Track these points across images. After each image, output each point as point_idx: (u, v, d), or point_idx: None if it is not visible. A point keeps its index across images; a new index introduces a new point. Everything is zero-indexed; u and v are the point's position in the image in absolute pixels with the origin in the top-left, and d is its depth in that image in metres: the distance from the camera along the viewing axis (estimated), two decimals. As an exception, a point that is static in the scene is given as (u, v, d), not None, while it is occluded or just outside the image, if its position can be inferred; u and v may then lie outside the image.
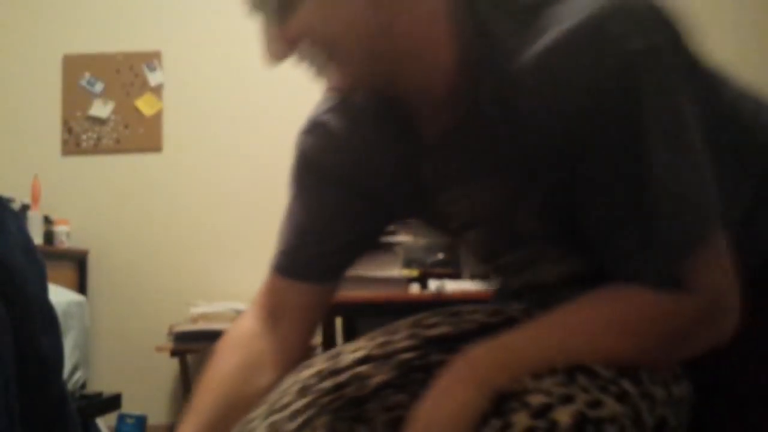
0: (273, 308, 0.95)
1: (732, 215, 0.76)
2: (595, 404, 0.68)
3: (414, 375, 0.81)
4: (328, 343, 2.31)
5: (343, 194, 0.91)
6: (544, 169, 0.76)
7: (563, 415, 0.66)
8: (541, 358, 0.71)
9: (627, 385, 0.70)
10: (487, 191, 0.82)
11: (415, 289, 2.40)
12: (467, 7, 0.76)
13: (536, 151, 0.75)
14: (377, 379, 0.82)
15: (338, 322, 2.74)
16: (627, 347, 0.72)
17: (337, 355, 0.87)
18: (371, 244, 0.98)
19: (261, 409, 0.83)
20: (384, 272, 2.29)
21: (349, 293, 2.17)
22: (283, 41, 0.75)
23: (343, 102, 0.90)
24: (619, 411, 0.68)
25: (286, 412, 0.80)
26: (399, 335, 0.86)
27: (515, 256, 0.86)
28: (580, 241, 0.77)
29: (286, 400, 0.82)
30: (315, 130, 0.93)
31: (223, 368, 0.91)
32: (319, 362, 0.86)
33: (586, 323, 0.73)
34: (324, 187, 0.92)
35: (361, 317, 2.94)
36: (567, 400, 0.67)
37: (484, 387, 0.70)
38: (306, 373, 0.85)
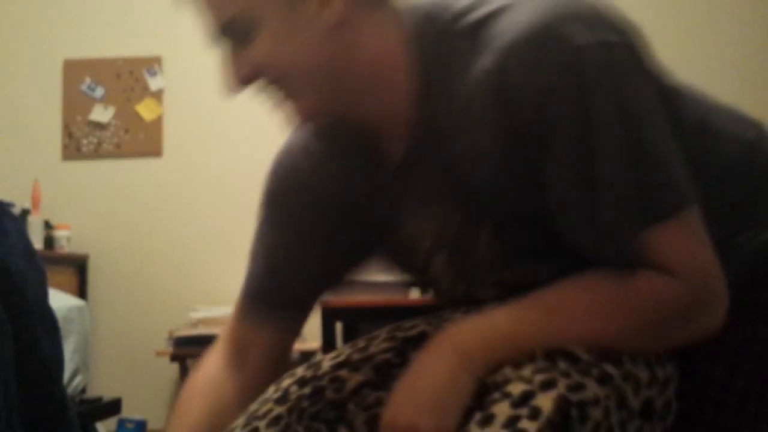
0: (238, 347, 0.94)
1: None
2: (577, 387, 0.67)
3: (392, 372, 0.82)
4: (328, 347, 2.30)
5: (307, 233, 0.91)
6: (501, 188, 0.76)
7: (545, 401, 0.66)
8: (522, 336, 0.72)
9: (609, 367, 0.69)
10: (448, 216, 0.81)
11: (415, 294, 2.40)
12: (419, 35, 0.77)
13: (491, 170, 0.75)
14: (355, 380, 0.83)
15: (338, 326, 2.74)
16: (609, 330, 0.71)
17: (318, 362, 0.87)
18: (336, 282, 0.97)
19: (241, 419, 0.83)
20: (384, 277, 2.29)
21: (349, 298, 2.17)
22: (241, 72, 0.76)
23: (307, 137, 0.90)
24: (602, 393, 0.68)
25: (266, 420, 0.81)
26: (378, 339, 0.87)
27: (483, 286, 0.84)
28: (544, 258, 0.76)
29: (266, 408, 0.83)
30: (280, 170, 0.93)
31: (191, 416, 0.91)
32: (300, 371, 0.86)
33: (568, 304, 0.73)
34: (288, 226, 0.92)
35: (362, 322, 2.94)
36: (548, 385, 0.67)
37: (464, 360, 0.71)
38: (287, 381, 0.85)
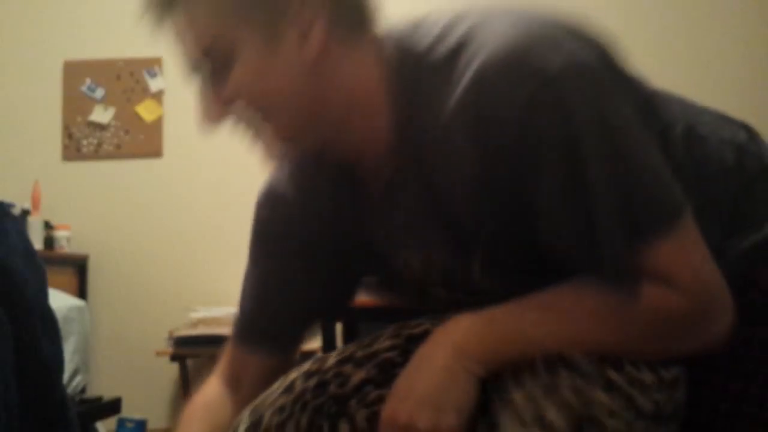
0: (234, 370, 0.95)
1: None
2: (586, 399, 0.67)
3: (395, 371, 0.82)
4: (328, 347, 2.31)
5: (297, 265, 0.91)
6: (485, 216, 0.75)
7: (557, 418, 0.66)
8: (521, 335, 0.71)
9: (612, 373, 0.69)
10: (435, 245, 0.81)
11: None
12: (396, 66, 0.76)
13: (474, 198, 0.74)
14: (358, 376, 0.84)
15: (338, 327, 2.74)
16: (609, 338, 0.71)
17: (324, 357, 0.89)
18: (330, 311, 0.98)
19: (248, 409, 0.85)
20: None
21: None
22: (218, 104, 0.76)
23: (291, 168, 0.90)
24: (611, 401, 0.67)
25: (272, 409, 0.83)
26: (383, 337, 0.88)
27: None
28: (540, 282, 0.75)
29: (272, 398, 0.84)
30: (267, 201, 0.94)
31: None
32: (307, 365, 0.88)
33: (570, 306, 0.72)
34: (278, 258, 0.92)
35: (361, 322, 2.94)
36: (556, 400, 0.67)
37: (462, 356, 0.71)
38: (293, 374, 0.87)
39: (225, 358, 0.98)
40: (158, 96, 3.60)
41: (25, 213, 3.26)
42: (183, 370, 3.05)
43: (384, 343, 0.87)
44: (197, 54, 0.77)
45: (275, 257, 0.93)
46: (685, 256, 0.70)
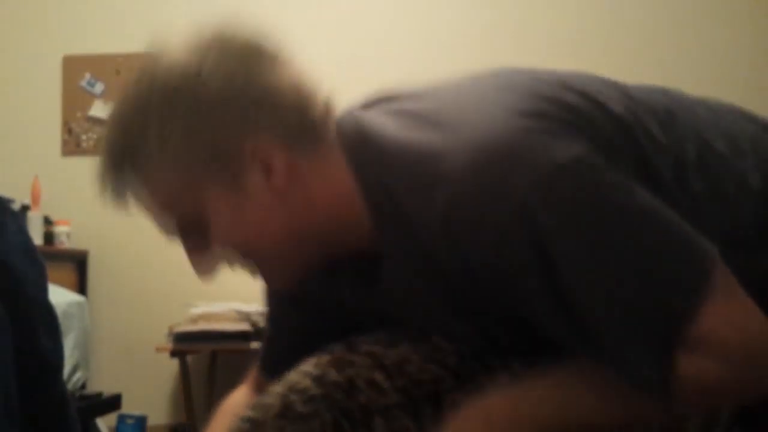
0: (258, 382, 0.98)
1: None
2: None
3: (424, 406, 0.79)
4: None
5: (307, 315, 0.91)
6: (472, 316, 0.74)
7: None
8: (551, 416, 0.68)
9: None
10: (430, 317, 0.79)
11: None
12: (359, 167, 0.74)
13: (460, 305, 0.73)
14: (388, 400, 0.80)
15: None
16: (645, 417, 0.67)
17: (355, 344, 0.84)
18: None
19: (279, 386, 0.82)
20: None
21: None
22: (206, 258, 0.76)
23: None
24: None
25: (302, 396, 0.80)
26: (416, 356, 0.82)
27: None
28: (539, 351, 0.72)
29: (303, 384, 0.81)
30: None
31: None
32: (339, 350, 0.83)
33: (596, 386, 0.68)
34: (289, 312, 0.93)
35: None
36: None
37: None
38: (325, 358, 0.82)
39: (252, 372, 1.00)
40: (158, 91, 3.59)
41: (25, 208, 3.26)
42: (183, 366, 3.05)
43: (420, 371, 0.81)
44: (169, 218, 0.76)
45: (286, 309, 0.94)
46: (724, 317, 0.63)
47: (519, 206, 0.64)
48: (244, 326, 2.84)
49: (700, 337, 0.62)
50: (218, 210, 0.73)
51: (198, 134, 0.71)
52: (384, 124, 0.74)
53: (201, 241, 0.75)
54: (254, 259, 0.77)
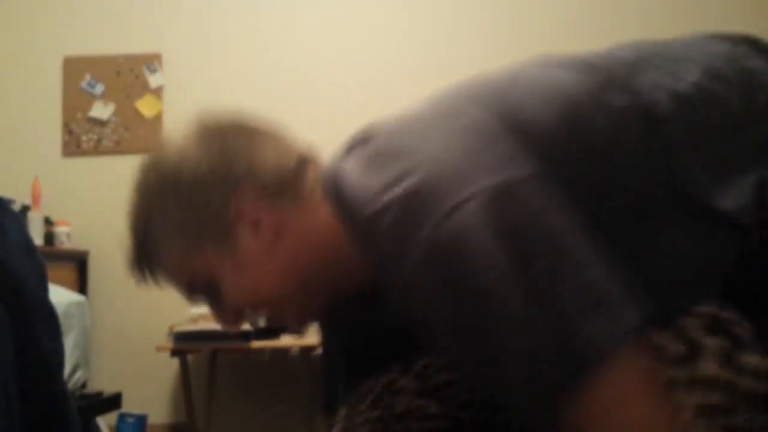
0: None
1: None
2: None
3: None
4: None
5: (342, 360, 0.94)
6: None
7: None
8: None
9: None
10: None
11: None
12: (343, 222, 0.71)
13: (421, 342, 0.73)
14: (436, 425, 0.79)
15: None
16: None
17: (410, 371, 0.83)
18: None
19: (344, 410, 0.85)
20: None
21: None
22: (229, 317, 0.83)
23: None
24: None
25: (359, 418, 0.83)
26: (462, 397, 0.79)
27: None
28: None
29: (363, 406, 0.82)
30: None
31: None
32: (395, 371, 0.83)
33: None
34: (330, 347, 0.97)
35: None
36: None
37: None
38: (384, 379, 0.82)
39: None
40: (158, 92, 3.60)
41: (26, 209, 3.26)
42: (183, 365, 3.06)
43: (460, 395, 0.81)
44: (189, 290, 0.83)
45: (329, 353, 0.97)
46: (613, 408, 0.56)
47: (423, 251, 0.61)
48: (244, 326, 2.85)
49: (578, 423, 0.57)
50: (222, 270, 0.79)
51: (190, 207, 0.80)
52: (352, 171, 0.71)
53: (221, 302, 0.82)
54: (269, 309, 0.82)
